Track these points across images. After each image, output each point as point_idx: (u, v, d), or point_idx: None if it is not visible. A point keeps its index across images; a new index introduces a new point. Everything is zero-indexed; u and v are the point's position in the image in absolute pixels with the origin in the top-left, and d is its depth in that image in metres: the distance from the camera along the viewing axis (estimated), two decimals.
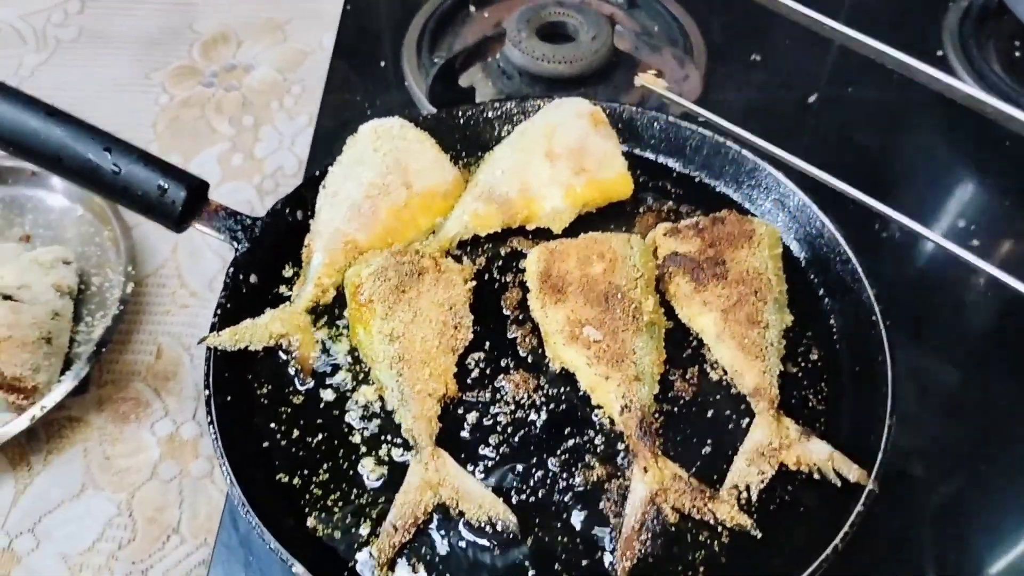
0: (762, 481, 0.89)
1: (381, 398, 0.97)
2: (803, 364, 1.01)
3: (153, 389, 1.25)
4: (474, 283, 1.04)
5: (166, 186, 0.99)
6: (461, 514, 0.89)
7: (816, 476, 0.90)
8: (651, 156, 1.19)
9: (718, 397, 0.98)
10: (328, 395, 0.99)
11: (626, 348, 0.96)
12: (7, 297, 1.18)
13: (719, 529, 0.87)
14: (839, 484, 0.89)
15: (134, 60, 1.70)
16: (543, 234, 1.12)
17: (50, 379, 1.17)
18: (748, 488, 0.89)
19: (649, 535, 0.86)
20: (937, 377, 1.16)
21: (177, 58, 1.70)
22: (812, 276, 1.09)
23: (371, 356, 0.97)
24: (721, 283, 1.00)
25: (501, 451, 0.94)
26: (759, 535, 0.86)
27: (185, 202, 1.00)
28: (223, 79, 1.67)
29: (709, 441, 0.95)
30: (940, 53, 1.47)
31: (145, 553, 1.10)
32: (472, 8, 1.60)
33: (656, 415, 0.95)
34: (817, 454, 0.90)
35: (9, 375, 1.12)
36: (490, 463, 0.93)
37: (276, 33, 1.75)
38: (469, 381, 0.99)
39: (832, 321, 1.05)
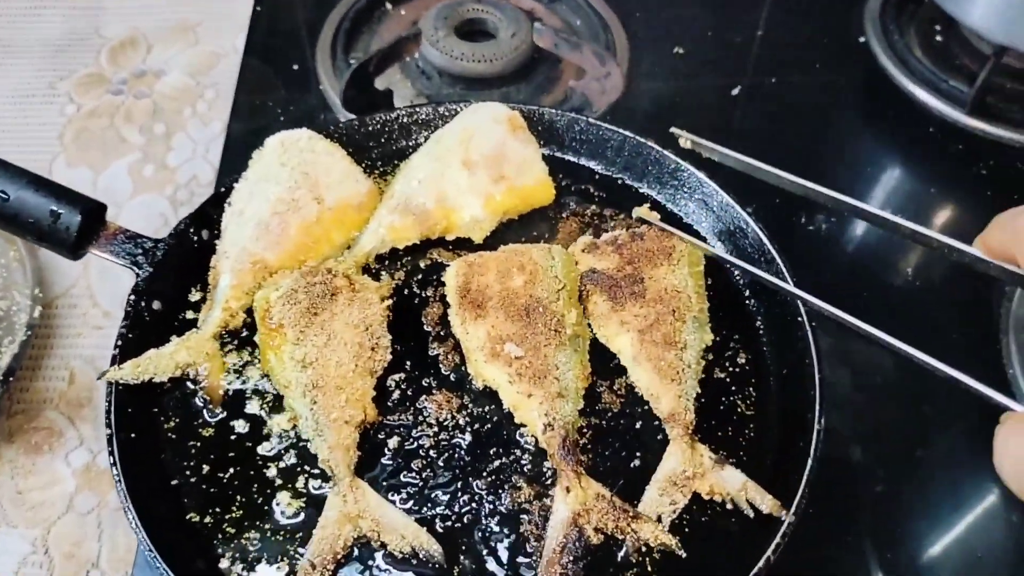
0: (674, 511, 0.87)
1: (296, 426, 0.94)
2: (731, 368, 0.99)
3: (67, 417, 1.20)
4: (391, 300, 1.00)
5: (59, 211, 0.94)
6: (383, 546, 0.85)
7: (729, 506, 0.88)
8: (572, 159, 1.16)
9: (646, 408, 0.95)
10: (240, 426, 0.94)
11: (548, 364, 0.93)
12: None
13: (643, 549, 0.85)
14: (752, 515, 0.87)
15: (38, 68, 1.63)
16: (464, 244, 1.09)
17: None
18: (660, 518, 0.87)
19: (571, 558, 0.83)
20: (871, 362, 1.16)
21: (84, 65, 1.63)
22: (737, 277, 1.07)
23: (283, 383, 0.93)
24: (639, 302, 0.97)
25: (424, 476, 0.91)
26: (684, 555, 0.84)
27: (80, 227, 0.95)
28: (133, 86, 1.60)
29: (638, 454, 0.93)
30: (862, 39, 1.46)
31: None
32: (388, 6, 1.55)
33: (583, 430, 0.93)
34: (731, 484, 0.88)
35: None
36: (413, 490, 0.90)
37: (188, 35, 1.68)
38: (390, 404, 0.96)
39: (759, 323, 1.03)
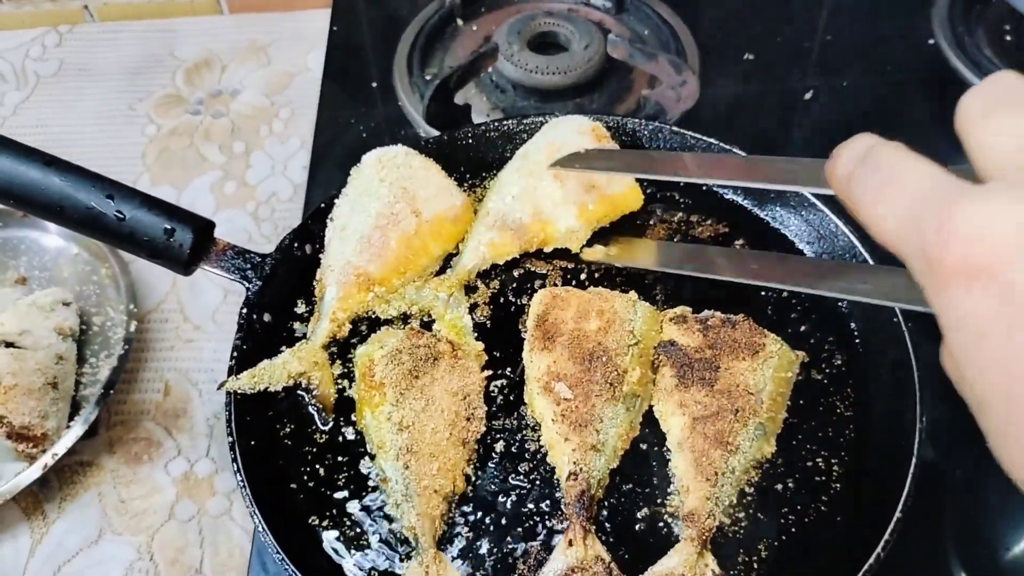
0: None
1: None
2: (827, 370, 1.00)
3: (164, 428, 1.24)
4: (489, 372, 1.00)
5: (173, 228, 0.97)
6: None
7: None
8: None
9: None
10: (350, 433, 0.97)
11: (594, 414, 0.91)
12: (9, 344, 1.16)
13: None
14: None
15: (117, 91, 1.68)
16: (561, 254, 1.11)
17: (59, 425, 1.16)
18: None
19: None
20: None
21: (161, 86, 1.68)
22: None
23: (376, 443, 0.93)
24: (704, 389, 0.93)
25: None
26: None
27: (193, 244, 0.98)
28: (210, 105, 1.64)
29: (652, 539, 0.89)
30: (932, 41, 1.47)
31: None
32: (460, 22, 1.58)
33: (612, 491, 0.91)
34: None
35: (18, 424, 1.10)
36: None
37: (260, 56, 1.72)
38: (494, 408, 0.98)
39: (853, 325, 1.04)
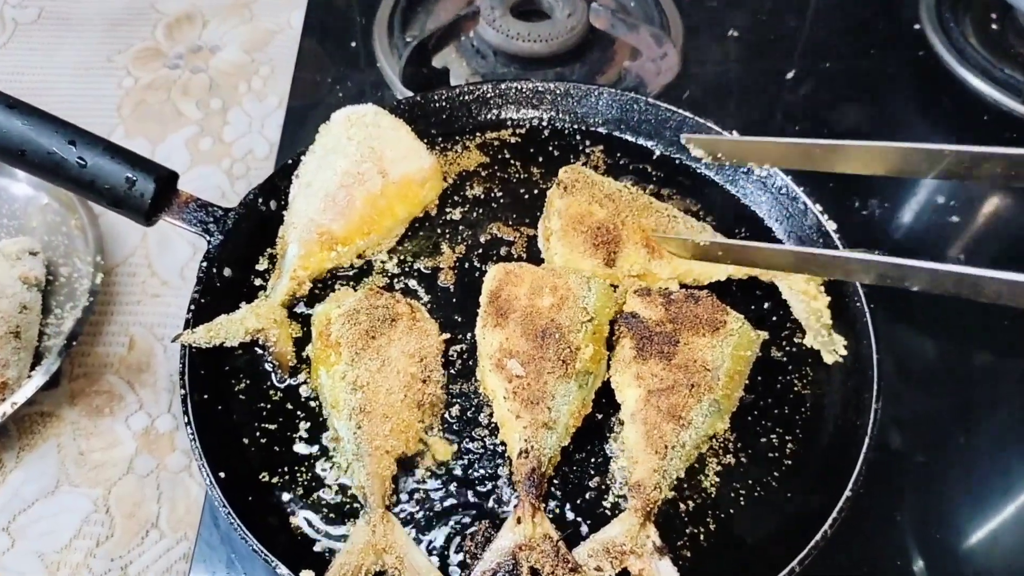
0: None
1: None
2: (788, 349, 1.00)
3: (126, 382, 1.23)
4: (447, 336, 0.99)
5: (134, 178, 0.96)
6: None
7: None
8: (631, 138, 1.17)
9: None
10: (306, 390, 0.97)
11: (546, 391, 0.90)
12: None
13: None
14: None
15: (96, 42, 1.65)
16: (524, 222, 1.10)
17: (20, 374, 1.15)
18: None
19: None
20: (916, 349, 1.16)
21: (141, 39, 1.66)
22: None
23: (330, 402, 0.92)
24: (662, 363, 0.93)
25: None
26: None
27: (154, 194, 0.97)
28: (189, 61, 1.62)
29: (603, 513, 0.90)
30: (917, 26, 1.46)
31: (124, 549, 1.09)
32: None
33: (563, 469, 0.91)
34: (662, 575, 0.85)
35: None
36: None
37: (243, 12, 1.70)
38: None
39: None
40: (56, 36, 1.66)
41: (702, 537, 0.88)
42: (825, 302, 1.02)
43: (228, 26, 1.68)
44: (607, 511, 0.89)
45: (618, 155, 1.14)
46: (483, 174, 1.14)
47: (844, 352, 0.99)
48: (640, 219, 1.04)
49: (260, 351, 0.98)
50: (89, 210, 1.30)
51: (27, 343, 1.17)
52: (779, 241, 1.09)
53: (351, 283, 1.04)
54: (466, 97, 1.16)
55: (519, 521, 0.85)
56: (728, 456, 0.93)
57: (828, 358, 0.99)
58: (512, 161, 1.15)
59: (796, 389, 0.97)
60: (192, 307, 0.96)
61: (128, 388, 1.22)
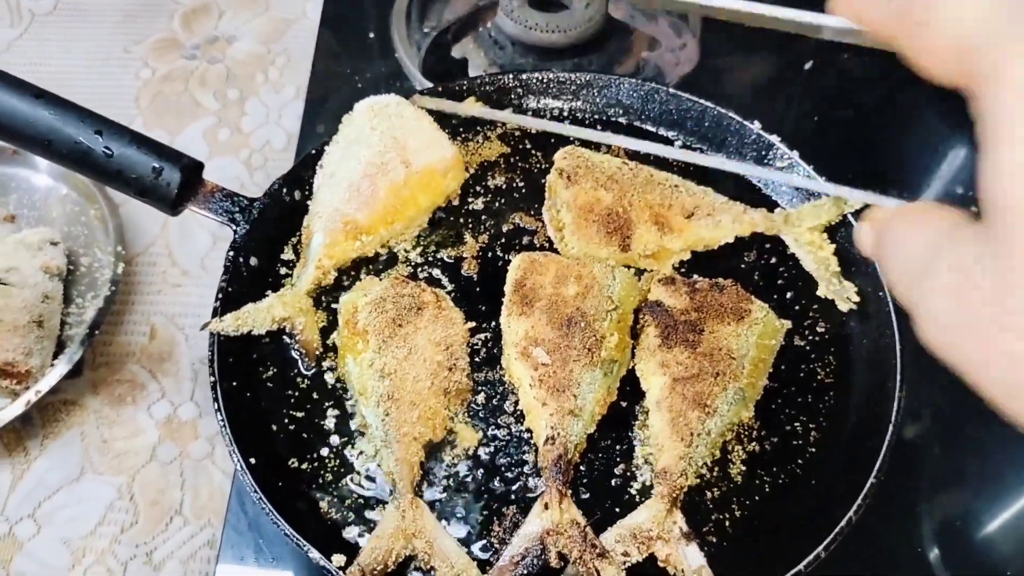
0: (624, 563, 0.84)
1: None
2: (810, 337, 1.01)
3: (148, 371, 1.24)
4: (472, 324, 1.00)
5: (160, 168, 0.96)
6: (432, 570, 0.84)
7: None
8: (651, 128, 1.17)
9: None
10: (331, 378, 0.97)
11: (572, 379, 0.91)
12: None
13: None
14: None
15: (113, 33, 1.66)
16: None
17: (43, 363, 1.16)
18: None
19: (524, 572, 0.83)
20: None
21: (157, 31, 1.66)
22: None
23: (358, 389, 0.93)
24: (687, 351, 0.93)
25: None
26: None
27: (180, 184, 0.97)
28: (206, 51, 1.63)
29: (630, 499, 0.90)
30: None
31: (148, 535, 1.10)
32: None
33: (589, 456, 0.92)
34: (689, 561, 0.84)
35: (1, 360, 1.11)
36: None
37: (258, 2, 1.70)
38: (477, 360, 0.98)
39: None
40: (72, 27, 1.67)
41: (728, 523, 0.88)
42: (831, 250, 1.04)
43: (244, 16, 1.68)
44: (633, 498, 0.90)
45: None
46: (504, 164, 1.15)
47: (857, 299, 1.01)
48: (645, 196, 1.04)
49: (287, 339, 0.99)
50: (109, 200, 1.31)
51: (50, 332, 1.18)
52: None
53: (376, 272, 1.04)
54: (488, 87, 1.17)
55: (546, 507, 0.85)
56: (753, 444, 0.93)
57: (843, 306, 1.01)
58: (533, 151, 1.15)
59: (819, 377, 0.98)
60: (220, 296, 0.97)
61: (150, 377, 1.23)
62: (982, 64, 0.40)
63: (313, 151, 1.09)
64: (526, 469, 0.91)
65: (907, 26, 0.45)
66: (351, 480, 0.91)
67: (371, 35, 1.49)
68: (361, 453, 0.92)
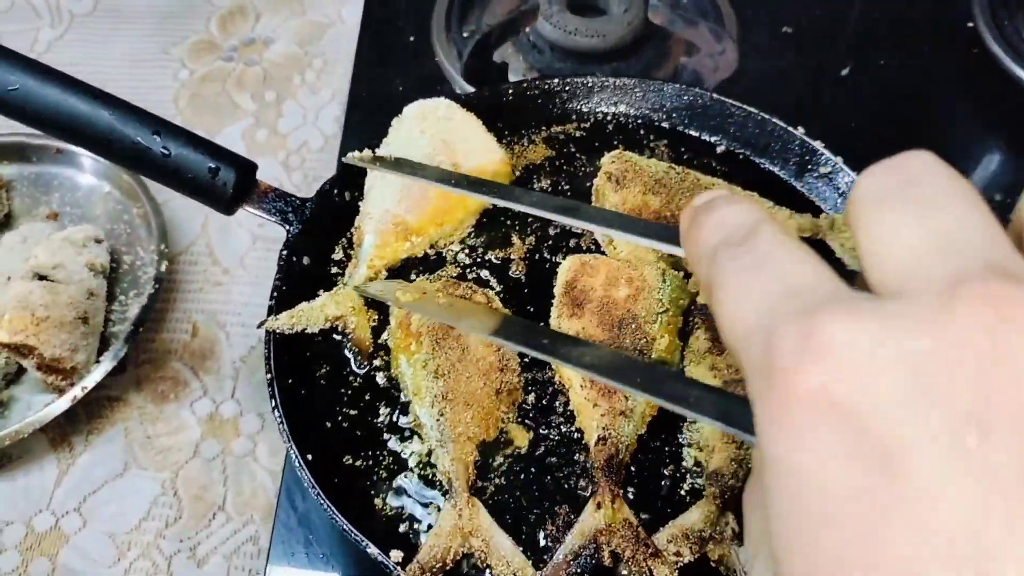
0: (677, 563, 0.84)
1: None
2: None
3: (190, 368, 1.25)
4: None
5: (217, 168, 0.98)
6: (488, 568, 0.85)
7: None
8: (695, 133, 1.18)
9: None
10: (381, 378, 0.98)
11: None
12: (43, 277, 1.17)
13: None
14: None
15: (151, 34, 1.68)
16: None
17: (88, 359, 1.17)
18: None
19: (578, 570, 0.83)
20: None
21: (194, 32, 1.68)
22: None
23: (412, 390, 0.94)
24: None
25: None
26: None
27: (235, 184, 0.99)
28: (243, 53, 1.65)
29: (683, 499, 0.91)
30: (970, 24, 1.46)
31: (192, 531, 1.12)
32: None
33: (639, 456, 0.92)
34: (743, 562, 0.84)
35: (49, 356, 1.12)
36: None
37: (294, 5, 1.72)
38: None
39: None
40: (112, 28, 1.69)
41: None
42: None
43: (280, 19, 1.70)
44: (683, 499, 0.91)
45: (682, 149, 1.16)
46: (549, 167, 1.16)
47: None
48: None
49: (338, 337, 1.00)
50: (151, 199, 1.32)
51: (94, 329, 1.20)
52: None
53: (425, 273, 1.05)
54: (533, 91, 1.18)
55: (599, 506, 0.86)
56: None
57: None
58: (578, 155, 1.16)
59: None
60: (274, 294, 0.98)
61: (192, 374, 1.25)
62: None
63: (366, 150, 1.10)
64: (576, 469, 0.92)
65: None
66: (404, 477, 0.92)
67: (411, 39, 1.50)
68: (413, 452, 0.93)
